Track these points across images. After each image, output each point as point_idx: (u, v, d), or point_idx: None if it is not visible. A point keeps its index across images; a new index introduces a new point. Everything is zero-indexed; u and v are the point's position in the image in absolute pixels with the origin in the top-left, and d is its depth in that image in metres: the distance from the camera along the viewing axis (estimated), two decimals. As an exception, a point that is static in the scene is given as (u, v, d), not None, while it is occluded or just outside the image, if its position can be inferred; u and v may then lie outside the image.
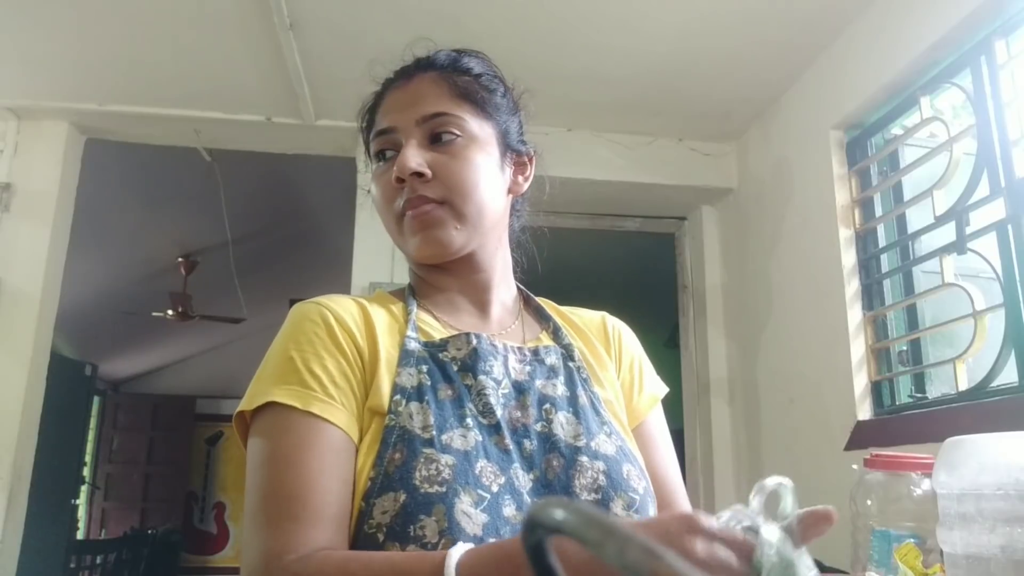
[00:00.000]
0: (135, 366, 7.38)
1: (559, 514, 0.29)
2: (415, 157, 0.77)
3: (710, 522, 0.48)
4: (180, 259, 4.99)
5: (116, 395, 7.50)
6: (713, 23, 2.24)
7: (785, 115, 2.65)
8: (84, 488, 6.42)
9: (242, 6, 2.17)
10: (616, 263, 4.26)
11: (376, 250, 2.74)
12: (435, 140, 0.80)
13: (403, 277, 2.93)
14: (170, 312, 5.15)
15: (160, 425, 7.37)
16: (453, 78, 0.83)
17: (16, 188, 2.74)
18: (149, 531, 6.66)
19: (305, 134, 2.92)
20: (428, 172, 0.78)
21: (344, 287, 2.78)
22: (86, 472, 6.46)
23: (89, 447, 6.67)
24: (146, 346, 6.77)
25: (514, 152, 0.87)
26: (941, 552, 0.62)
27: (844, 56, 2.28)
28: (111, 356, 6.56)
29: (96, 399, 6.75)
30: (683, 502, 0.87)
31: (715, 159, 3.03)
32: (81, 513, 6.61)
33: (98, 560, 5.35)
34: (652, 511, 0.77)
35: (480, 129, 0.82)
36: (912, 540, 0.69)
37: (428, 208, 0.78)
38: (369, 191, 0.86)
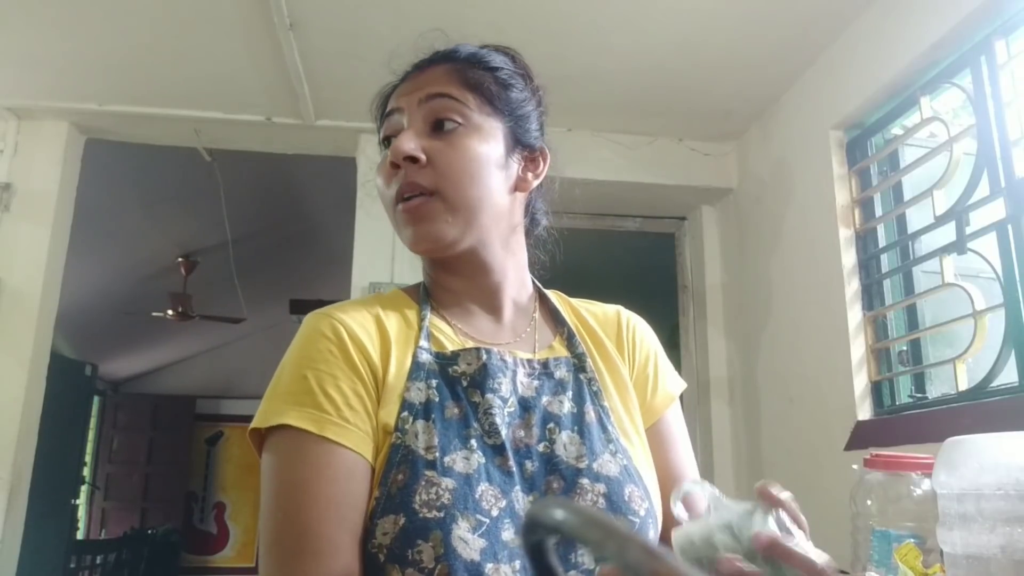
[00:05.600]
0: (135, 366, 7.37)
1: (559, 514, 0.29)
2: (410, 141, 0.77)
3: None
4: (180, 259, 4.99)
5: (116, 395, 7.50)
6: (713, 23, 2.24)
7: (785, 115, 2.65)
8: (84, 488, 6.41)
9: (242, 6, 2.17)
10: (616, 263, 4.25)
11: (376, 250, 2.73)
12: (437, 127, 0.79)
13: (403, 277, 2.91)
14: (170, 312, 5.15)
15: (160, 425, 7.37)
16: (467, 70, 0.82)
17: (16, 188, 2.74)
18: (149, 531, 6.67)
19: (305, 134, 2.92)
20: (422, 157, 0.77)
21: (344, 287, 2.78)
22: (86, 472, 6.46)
23: (89, 447, 6.66)
24: (146, 346, 6.76)
25: (525, 148, 0.85)
26: (941, 552, 0.61)
27: (844, 56, 2.28)
28: (111, 356, 6.55)
29: (96, 399, 6.75)
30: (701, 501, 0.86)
31: (715, 159, 3.03)
32: (81, 513, 6.60)
33: (98, 560, 5.36)
34: (653, 534, 0.76)
35: (484, 121, 0.80)
36: (912, 540, 0.69)
37: (419, 201, 0.77)
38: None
